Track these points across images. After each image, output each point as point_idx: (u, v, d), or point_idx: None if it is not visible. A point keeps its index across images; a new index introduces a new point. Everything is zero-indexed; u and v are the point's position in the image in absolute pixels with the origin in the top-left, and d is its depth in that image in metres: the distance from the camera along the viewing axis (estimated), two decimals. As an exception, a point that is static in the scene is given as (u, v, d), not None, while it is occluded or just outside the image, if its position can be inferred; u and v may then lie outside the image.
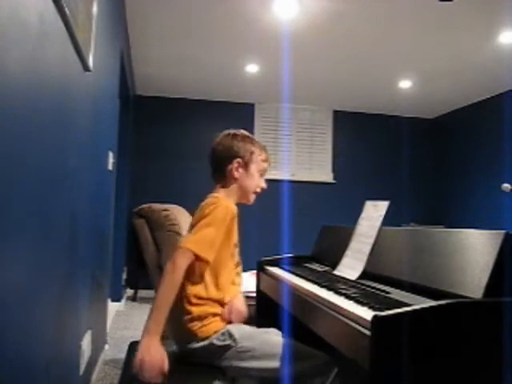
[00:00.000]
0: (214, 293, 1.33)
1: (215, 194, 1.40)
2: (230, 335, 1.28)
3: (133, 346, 1.63)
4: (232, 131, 1.47)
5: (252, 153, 1.44)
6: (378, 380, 0.85)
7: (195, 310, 1.30)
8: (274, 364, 1.25)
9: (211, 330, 1.29)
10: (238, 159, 1.42)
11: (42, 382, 1.17)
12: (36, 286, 1.08)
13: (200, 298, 1.31)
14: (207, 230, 1.27)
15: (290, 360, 1.26)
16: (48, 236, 1.19)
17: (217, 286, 1.34)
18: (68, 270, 1.48)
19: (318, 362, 1.28)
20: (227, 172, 1.43)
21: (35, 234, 1.06)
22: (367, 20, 3.13)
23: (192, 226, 1.31)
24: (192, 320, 1.30)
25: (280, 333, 1.39)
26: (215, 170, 1.46)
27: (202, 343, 1.29)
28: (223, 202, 1.33)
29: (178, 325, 1.32)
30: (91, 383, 2.08)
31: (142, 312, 4.02)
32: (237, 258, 1.46)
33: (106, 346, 2.72)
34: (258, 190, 1.48)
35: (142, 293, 4.56)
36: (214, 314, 1.32)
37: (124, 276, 4.44)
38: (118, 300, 4.09)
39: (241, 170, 1.43)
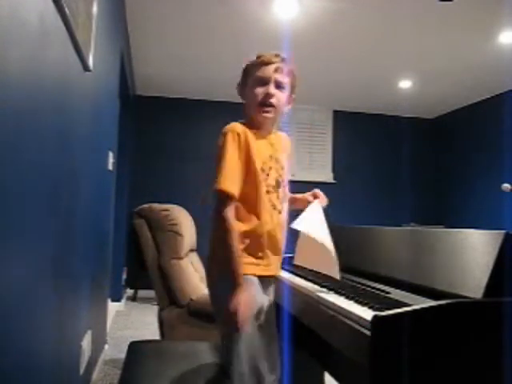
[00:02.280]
0: (240, 224, 1.23)
1: (225, 128, 1.29)
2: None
3: (132, 346, 1.64)
4: None
5: (250, 68, 1.31)
6: (378, 380, 0.85)
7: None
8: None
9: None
10: (238, 83, 1.36)
11: (42, 381, 1.17)
12: (36, 286, 1.08)
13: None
14: (223, 162, 1.20)
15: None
16: (48, 236, 1.19)
17: (245, 215, 1.24)
18: (68, 270, 1.48)
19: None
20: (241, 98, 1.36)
21: (35, 234, 1.06)
22: (367, 20, 3.14)
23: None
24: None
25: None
26: None
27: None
28: (228, 126, 1.25)
29: None
30: (91, 383, 2.08)
31: (142, 312, 4.02)
32: (274, 179, 1.30)
33: (106, 346, 2.72)
34: (261, 98, 1.27)
35: (142, 293, 4.56)
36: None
37: (124, 276, 4.44)
38: (118, 300, 4.09)
39: (241, 91, 1.35)
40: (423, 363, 0.85)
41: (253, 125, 1.30)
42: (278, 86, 1.29)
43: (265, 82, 1.28)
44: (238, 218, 1.24)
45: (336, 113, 5.31)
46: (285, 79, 1.30)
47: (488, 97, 4.58)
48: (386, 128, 5.36)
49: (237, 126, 1.26)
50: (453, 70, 3.95)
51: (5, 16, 0.80)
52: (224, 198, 1.20)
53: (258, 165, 1.27)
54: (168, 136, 4.92)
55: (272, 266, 1.31)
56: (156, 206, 2.40)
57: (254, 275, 1.25)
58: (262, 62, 1.28)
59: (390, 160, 5.33)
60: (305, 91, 4.74)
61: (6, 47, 0.81)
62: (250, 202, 1.26)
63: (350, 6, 2.93)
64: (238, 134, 1.23)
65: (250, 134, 1.26)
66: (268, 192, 1.28)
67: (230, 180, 1.20)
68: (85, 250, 1.81)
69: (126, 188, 4.40)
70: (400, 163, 5.23)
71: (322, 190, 1.49)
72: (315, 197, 1.38)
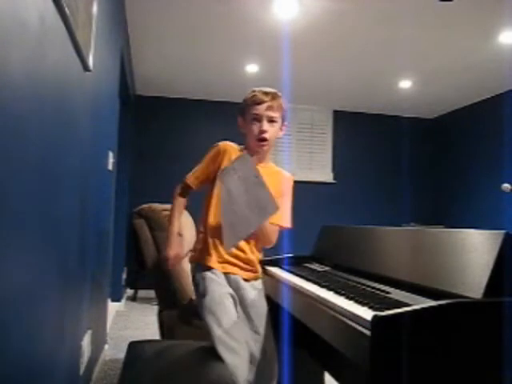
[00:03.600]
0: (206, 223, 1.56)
1: None
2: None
3: (132, 346, 1.63)
4: None
5: (245, 106, 1.53)
6: (378, 380, 0.85)
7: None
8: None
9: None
10: (239, 116, 1.58)
11: (42, 381, 1.17)
12: (36, 286, 1.08)
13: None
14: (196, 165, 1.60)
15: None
16: (48, 236, 1.19)
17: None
18: (68, 269, 1.48)
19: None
20: (239, 129, 1.60)
21: (35, 234, 1.06)
22: (367, 20, 3.13)
23: None
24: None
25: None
26: None
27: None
28: (221, 142, 1.57)
29: None
30: (91, 383, 2.08)
31: (141, 312, 4.02)
32: None
33: (106, 346, 2.72)
34: (257, 134, 1.51)
35: (142, 293, 4.56)
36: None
37: (124, 276, 4.44)
38: (118, 300, 4.09)
39: (243, 124, 1.57)
40: (423, 363, 0.85)
41: (249, 150, 1.54)
42: (271, 121, 1.52)
43: (258, 119, 1.51)
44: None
45: (336, 113, 5.31)
46: (276, 114, 1.52)
47: (488, 97, 4.58)
48: (386, 128, 5.36)
49: (221, 144, 1.56)
50: (453, 69, 3.95)
51: (5, 16, 0.80)
52: (181, 184, 1.60)
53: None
54: (168, 136, 4.92)
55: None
56: (156, 206, 2.39)
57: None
58: (254, 102, 1.50)
59: (389, 160, 5.33)
60: (305, 91, 4.76)
61: (6, 47, 0.81)
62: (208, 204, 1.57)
63: (349, 6, 2.93)
64: (216, 151, 1.54)
65: (233, 154, 1.50)
66: None
67: (194, 176, 1.58)
68: (85, 249, 1.81)
69: (126, 188, 4.40)
70: (400, 163, 5.23)
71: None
72: None
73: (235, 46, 3.65)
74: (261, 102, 1.49)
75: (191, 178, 1.57)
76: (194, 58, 3.94)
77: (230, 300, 1.45)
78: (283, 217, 1.52)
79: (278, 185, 1.54)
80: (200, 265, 1.53)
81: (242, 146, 1.58)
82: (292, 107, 5.13)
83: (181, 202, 1.60)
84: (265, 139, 1.51)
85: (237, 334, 1.37)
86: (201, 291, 1.48)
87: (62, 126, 1.30)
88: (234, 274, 1.52)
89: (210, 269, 1.49)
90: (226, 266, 1.51)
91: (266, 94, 1.51)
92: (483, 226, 4.08)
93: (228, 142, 1.56)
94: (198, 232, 1.63)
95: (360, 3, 2.90)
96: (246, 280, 1.54)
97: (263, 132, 1.50)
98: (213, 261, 1.50)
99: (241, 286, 1.52)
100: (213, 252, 1.51)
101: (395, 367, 0.84)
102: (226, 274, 1.51)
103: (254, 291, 1.54)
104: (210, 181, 1.56)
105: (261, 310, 1.53)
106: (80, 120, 1.59)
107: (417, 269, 1.20)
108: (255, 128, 1.50)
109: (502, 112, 4.25)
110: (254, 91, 1.53)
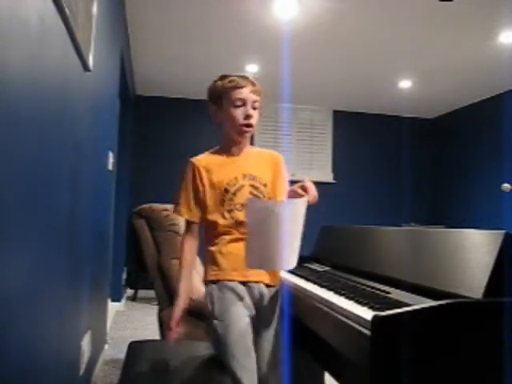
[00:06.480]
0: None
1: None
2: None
3: (132, 346, 1.63)
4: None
5: (222, 90, 1.38)
6: (378, 380, 0.85)
7: None
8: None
9: None
10: (210, 105, 1.43)
11: (42, 381, 1.17)
12: (36, 286, 1.08)
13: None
14: (179, 192, 1.40)
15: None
16: (48, 236, 1.19)
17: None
18: (68, 270, 1.48)
19: None
20: (212, 120, 1.43)
21: (35, 234, 1.06)
22: (367, 20, 3.13)
23: None
24: None
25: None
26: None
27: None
28: (190, 160, 1.42)
29: None
30: (91, 383, 2.08)
31: (141, 312, 4.02)
32: (245, 197, 1.34)
33: (106, 346, 2.72)
34: (242, 119, 1.35)
35: (142, 293, 4.55)
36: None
37: (124, 276, 4.44)
38: (118, 300, 4.09)
39: (217, 112, 1.41)
40: (423, 363, 0.85)
41: (226, 146, 1.43)
42: (253, 107, 1.38)
43: (242, 103, 1.36)
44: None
45: (336, 113, 5.31)
46: (258, 98, 1.39)
47: (488, 97, 4.58)
48: (386, 128, 5.36)
49: (193, 161, 1.41)
50: (453, 70, 3.95)
51: (5, 16, 0.80)
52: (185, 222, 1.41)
53: (221, 187, 1.37)
54: (168, 136, 4.92)
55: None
56: (156, 206, 2.39)
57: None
58: (236, 86, 1.36)
59: (389, 160, 5.33)
60: (305, 91, 4.75)
61: (6, 47, 0.81)
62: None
63: (350, 5, 2.93)
64: (193, 166, 1.39)
65: (206, 163, 1.40)
66: (230, 211, 1.36)
67: (184, 209, 1.39)
68: (85, 249, 1.81)
69: (126, 188, 4.40)
70: (400, 163, 5.23)
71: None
72: (304, 189, 1.34)
73: (235, 45, 3.65)
74: (243, 86, 1.36)
75: (184, 213, 1.37)
76: (194, 58, 3.94)
77: (250, 332, 1.29)
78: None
79: (267, 161, 1.48)
80: (212, 281, 1.35)
81: (213, 149, 1.45)
82: (292, 107, 5.14)
83: (189, 245, 1.38)
84: (251, 125, 1.36)
85: (250, 361, 1.27)
86: (217, 315, 1.29)
87: (61, 126, 1.30)
88: (256, 281, 1.34)
89: (225, 283, 1.32)
90: (247, 273, 1.32)
91: (244, 78, 1.39)
92: (483, 226, 4.08)
93: (196, 157, 1.42)
94: (205, 254, 1.41)
95: (360, 3, 2.90)
96: (268, 286, 1.37)
97: (249, 117, 1.35)
98: (230, 272, 1.32)
99: (263, 296, 1.36)
100: (227, 262, 1.33)
101: (395, 367, 0.84)
102: (246, 283, 1.33)
103: (272, 301, 1.39)
104: (202, 202, 1.37)
105: (273, 320, 1.40)
106: (80, 120, 1.59)
107: (417, 269, 1.20)
108: (239, 113, 1.34)
109: (502, 112, 4.24)
110: (227, 76, 1.40)
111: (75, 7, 1.29)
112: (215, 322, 1.29)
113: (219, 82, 1.41)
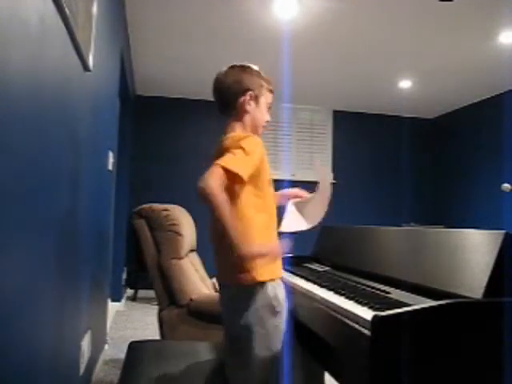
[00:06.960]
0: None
1: (233, 134, 1.33)
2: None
3: (132, 346, 1.64)
4: (238, 64, 1.42)
5: (261, 85, 1.40)
6: (377, 380, 0.85)
7: None
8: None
9: None
10: (250, 92, 1.36)
11: (42, 381, 1.17)
12: (36, 286, 1.08)
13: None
14: (240, 154, 1.20)
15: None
16: (48, 236, 1.19)
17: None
18: (68, 270, 1.48)
19: None
20: (238, 105, 1.36)
21: (35, 234, 1.06)
22: (367, 20, 3.13)
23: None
24: None
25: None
26: (225, 104, 1.39)
27: None
28: (245, 135, 1.29)
29: None
30: (91, 383, 2.08)
31: (141, 312, 4.02)
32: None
33: (106, 346, 2.72)
34: (265, 123, 1.43)
35: (142, 293, 4.56)
36: None
37: (124, 276, 4.44)
38: (118, 300, 4.09)
39: (252, 102, 1.38)
40: (423, 363, 0.85)
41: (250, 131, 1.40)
42: None
43: (269, 107, 1.44)
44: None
45: (336, 113, 5.31)
46: None
47: (488, 97, 4.58)
48: (385, 128, 5.36)
49: (259, 139, 1.31)
50: (453, 70, 3.95)
51: (5, 16, 0.80)
52: (219, 175, 1.17)
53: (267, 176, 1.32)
54: (168, 136, 4.92)
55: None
56: (156, 206, 2.40)
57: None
58: (271, 91, 1.43)
59: (389, 160, 5.33)
60: (305, 91, 4.76)
61: (6, 47, 0.81)
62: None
63: (349, 6, 2.93)
64: (262, 149, 1.28)
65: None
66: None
67: (246, 167, 1.19)
68: (85, 249, 1.81)
69: (126, 188, 4.40)
70: (400, 163, 5.23)
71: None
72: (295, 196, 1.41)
73: (235, 45, 3.65)
74: (273, 92, 1.44)
75: (242, 169, 1.17)
76: (194, 58, 3.94)
77: None
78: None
79: None
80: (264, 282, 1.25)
81: (238, 124, 1.39)
82: (292, 107, 5.14)
83: (226, 199, 1.16)
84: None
85: None
86: (283, 316, 1.28)
87: (62, 126, 1.30)
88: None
89: (277, 281, 1.28)
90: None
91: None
92: (483, 225, 4.08)
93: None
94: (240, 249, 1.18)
95: (360, 3, 2.90)
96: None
97: (269, 120, 1.46)
98: (279, 267, 1.31)
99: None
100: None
101: (395, 367, 0.84)
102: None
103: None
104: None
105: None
106: (80, 120, 1.59)
107: (417, 269, 1.20)
108: (267, 116, 1.43)
109: (501, 112, 4.25)
110: (268, 78, 1.42)
111: (75, 7, 1.29)
112: (279, 320, 1.27)
113: (262, 79, 1.40)
